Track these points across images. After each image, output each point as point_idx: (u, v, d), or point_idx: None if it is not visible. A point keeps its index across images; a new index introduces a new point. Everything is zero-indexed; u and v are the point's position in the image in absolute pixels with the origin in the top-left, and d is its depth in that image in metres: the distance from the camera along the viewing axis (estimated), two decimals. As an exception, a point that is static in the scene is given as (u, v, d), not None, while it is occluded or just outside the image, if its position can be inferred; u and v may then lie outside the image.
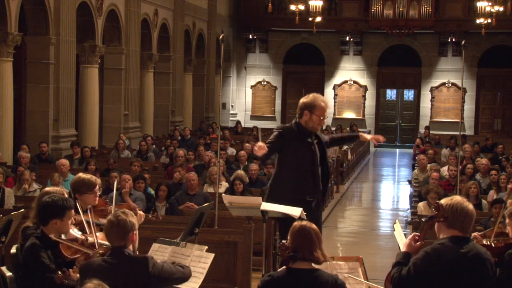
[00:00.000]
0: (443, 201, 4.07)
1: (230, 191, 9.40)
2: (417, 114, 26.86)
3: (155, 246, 5.17)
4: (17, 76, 13.72)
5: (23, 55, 13.76)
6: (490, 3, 22.59)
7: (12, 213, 6.27)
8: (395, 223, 4.98)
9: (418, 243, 4.11)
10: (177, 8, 20.09)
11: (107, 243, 4.53)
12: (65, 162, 10.63)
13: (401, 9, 24.44)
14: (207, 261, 5.00)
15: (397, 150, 26.45)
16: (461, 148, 11.74)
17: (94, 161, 11.51)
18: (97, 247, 4.61)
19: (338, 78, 26.90)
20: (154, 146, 15.42)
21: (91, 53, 15.27)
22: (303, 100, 6.35)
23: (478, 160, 12.62)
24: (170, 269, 4.33)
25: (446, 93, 26.24)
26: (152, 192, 9.72)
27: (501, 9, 22.97)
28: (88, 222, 4.88)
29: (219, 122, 10.87)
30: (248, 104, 27.75)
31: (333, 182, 14.63)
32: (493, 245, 4.65)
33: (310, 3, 22.66)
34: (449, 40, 25.49)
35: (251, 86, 27.64)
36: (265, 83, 27.57)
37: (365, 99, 26.81)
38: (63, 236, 4.65)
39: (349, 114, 26.78)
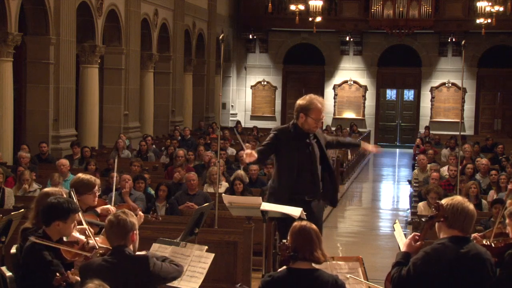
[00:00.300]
0: (443, 201, 4.07)
1: (230, 191, 9.41)
2: (417, 114, 26.86)
3: (155, 246, 5.18)
4: (17, 76, 13.72)
5: (23, 55, 13.76)
6: (490, 3, 22.59)
7: (12, 213, 6.27)
8: (395, 223, 4.98)
9: (418, 243, 4.11)
10: (177, 8, 20.09)
11: (106, 246, 4.53)
12: (65, 162, 10.63)
13: (401, 9, 24.44)
14: (207, 261, 5.00)
15: (397, 150, 26.44)
16: (461, 148, 11.74)
17: (94, 161, 11.51)
18: (97, 247, 4.60)
19: (338, 78, 26.90)
20: (154, 146, 15.42)
21: (91, 53, 15.27)
22: (299, 102, 6.30)
23: (478, 160, 12.63)
24: (168, 268, 4.33)
25: (446, 93, 26.24)
26: (152, 192, 9.72)
27: (501, 9, 22.97)
28: (87, 223, 4.88)
29: (219, 122, 10.87)
30: (248, 104, 27.75)
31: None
32: (493, 245, 4.65)
33: (310, 3, 22.66)
34: (449, 40, 25.49)
35: (251, 86, 27.64)
36: (265, 83, 27.57)
37: (365, 99, 26.80)
38: (64, 239, 4.64)
39: (349, 114, 26.77)
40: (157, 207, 8.93)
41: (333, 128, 22.59)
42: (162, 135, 18.82)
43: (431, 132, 21.80)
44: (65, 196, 5.01)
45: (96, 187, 5.32)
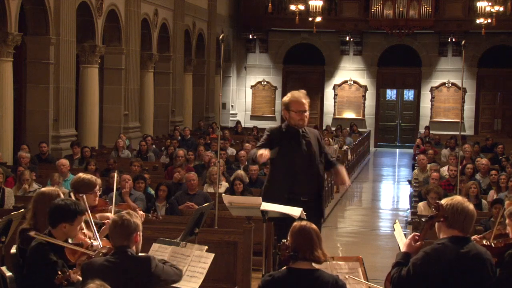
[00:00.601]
0: (443, 201, 4.07)
1: (230, 191, 9.40)
2: (417, 114, 26.86)
3: (155, 246, 5.17)
4: (17, 76, 13.72)
5: (23, 55, 13.76)
6: (490, 3, 22.58)
7: (12, 213, 6.27)
8: (395, 223, 4.98)
9: (418, 243, 4.11)
10: (177, 8, 20.09)
11: (109, 246, 4.53)
12: (65, 162, 10.63)
13: (401, 9, 24.44)
14: (207, 261, 5.00)
15: (397, 150, 26.44)
16: (461, 148, 11.74)
17: (94, 161, 11.50)
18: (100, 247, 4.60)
19: (338, 78, 26.90)
20: (154, 146, 15.42)
21: (91, 53, 15.27)
22: (282, 101, 6.37)
23: (478, 160, 12.63)
24: (169, 270, 4.33)
25: (446, 93, 26.24)
26: (152, 192, 9.72)
27: (501, 9, 22.96)
28: (89, 222, 4.88)
29: (219, 122, 10.87)
30: (248, 104, 27.75)
31: (333, 182, 14.61)
32: (493, 245, 4.65)
33: (310, 3, 22.65)
34: (449, 40, 25.49)
35: (251, 86, 27.64)
36: (265, 83, 27.57)
37: (365, 99, 26.80)
38: (69, 240, 4.65)
39: (349, 114, 26.77)
40: (157, 207, 8.93)
41: (333, 128, 22.58)
42: (162, 135, 18.82)
43: (431, 132, 21.80)
44: (62, 195, 5.02)
45: (97, 187, 5.32)
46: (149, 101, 18.75)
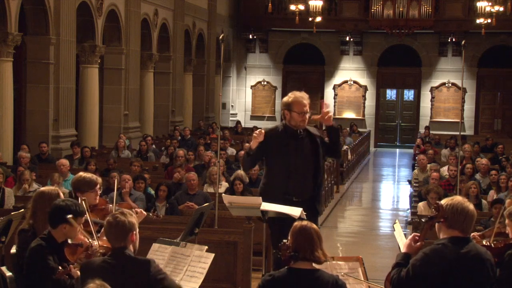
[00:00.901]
0: (443, 201, 4.06)
1: (230, 191, 9.40)
2: (417, 114, 26.86)
3: (155, 246, 5.17)
4: (17, 76, 13.72)
5: (23, 55, 13.76)
6: (490, 3, 22.58)
7: (12, 213, 6.27)
8: (395, 223, 4.98)
9: (418, 243, 4.11)
10: (177, 8, 20.09)
11: (107, 246, 4.53)
12: (65, 162, 10.63)
13: (401, 9, 24.44)
14: (207, 261, 5.00)
15: (397, 150, 26.45)
16: (461, 148, 11.74)
17: (94, 161, 11.50)
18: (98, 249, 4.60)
19: (338, 78, 26.90)
20: (154, 146, 15.42)
21: (91, 53, 15.27)
22: (282, 101, 6.30)
23: (478, 160, 12.63)
24: (172, 282, 4.29)
25: (446, 93, 26.24)
26: (152, 192, 9.72)
27: (501, 9, 22.96)
28: (89, 223, 4.88)
29: (219, 122, 10.87)
30: (248, 104, 27.75)
31: (332, 182, 14.63)
32: (492, 245, 4.65)
33: (310, 3, 22.65)
34: (449, 40, 25.49)
35: (251, 86, 27.64)
36: (265, 83, 27.57)
37: (365, 99, 26.80)
38: (69, 241, 4.65)
39: (349, 114, 26.77)
40: (157, 207, 8.93)
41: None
42: (162, 135, 18.82)
43: (431, 132, 21.80)
44: (62, 195, 5.02)
45: (98, 186, 5.33)
46: (149, 101, 18.75)
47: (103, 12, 15.66)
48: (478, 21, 22.98)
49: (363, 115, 26.81)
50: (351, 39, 26.22)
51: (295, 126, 6.15)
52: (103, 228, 4.92)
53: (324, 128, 6.39)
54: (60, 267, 4.34)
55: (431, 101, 26.33)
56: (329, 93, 26.85)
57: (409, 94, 27.74)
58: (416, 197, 10.69)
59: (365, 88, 26.74)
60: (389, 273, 4.09)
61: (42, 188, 5.29)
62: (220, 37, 8.49)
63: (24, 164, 10.88)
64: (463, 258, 3.90)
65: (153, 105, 19.00)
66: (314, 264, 4.00)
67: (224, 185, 10.22)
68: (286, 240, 4.03)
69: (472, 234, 4.70)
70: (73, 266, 4.38)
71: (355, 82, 26.76)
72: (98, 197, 5.36)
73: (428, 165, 12.55)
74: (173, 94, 20.28)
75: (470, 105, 26.04)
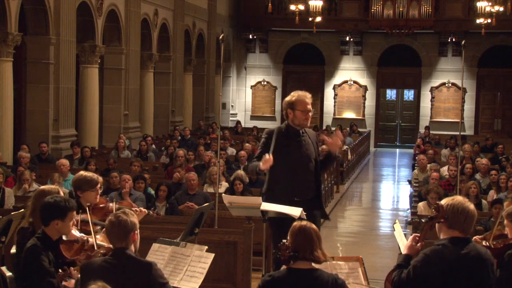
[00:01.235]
0: (443, 201, 4.06)
1: (230, 191, 9.40)
2: (417, 114, 26.86)
3: (155, 246, 5.17)
4: (17, 76, 13.72)
5: (23, 55, 13.76)
6: (490, 3, 22.58)
7: (12, 213, 6.27)
8: (395, 223, 4.98)
9: (418, 244, 4.10)
10: (177, 8, 20.09)
11: (106, 244, 4.53)
12: (65, 162, 10.63)
13: (401, 9, 24.44)
14: (207, 261, 5.00)
15: (397, 150, 26.45)
16: (461, 148, 11.74)
17: (94, 161, 11.50)
18: (95, 248, 4.60)
19: (338, 78, 26.90)
20: (154, 146, 15.42)
21: (91, 53, 15.27)
22: (285, 100, 6.32)
23: (478, 160, 12.62)
24: None
25: (446, 93, 26.24)
26: (152, 192, 9.72)
27: (501, 9, 22.96)
28: (87, 222, 4.88)
29: (219, 122, 10.88)
30: (248, 104, 27.75)
31: (332, 182, 14.63)
32: (492, 246, 4.65)
33: (310, 3, 22.65)
34: (449, 40, 25.49)
35: (251, 86, 27.64)
36: (265, 83, 27.57)
37: (365, 99, 26.80)
38: (64, 237, 4.65)
39: (349, 114, 26.77)
40: (157, 207, 8.93)
41: (333, 128, 22.57)
42: (162, 135, 18.82)
43: (431, 132, 21.80)
44: (62, 194, 5.02)
45: (99, 185, 5.33)
46: (149, 101, 18.75)
47: (103, 12, 15.66)
48: (478, 21, 22.98)
49: (363, 115, 26.81)
50: (351, 39, 26.22)
51: (298, 125, 6.17)
52: (104, 228, 4.93)
53: (325, 149, 6.46)
54: (60, 270, 4.34)
55: (431, 101, 26.33)
56: (329, 93, 26.85)
57: (409, 94, 27.74)
58: (416, 197, 10.69)
59: (365, 88, 26.74)
60: (389, 273, 4.09)
61: (43, 187, 5.29)
62: (220, 37, 8.49)
63: (24, 164, 10.88)
64: (464, 259, 3.90)
65: (153, 105, 19.00)
66: (313, 264, 4.00)
67: (224, 185, 10.21)
68: (285, 240, 4.03)
69: (473, 238, 4.69)
70: (73, 268, 4.38)
71: (355, 82, 26.76)
72: (98, 196, 5.37)
73: (428, 165, 12.55)
74: (173, 94, 20.29)
75: (470, 105, 26.04)
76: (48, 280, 4.43)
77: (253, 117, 27.33)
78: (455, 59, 25.78)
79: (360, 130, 24.41)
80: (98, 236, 4.72)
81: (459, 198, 4.05)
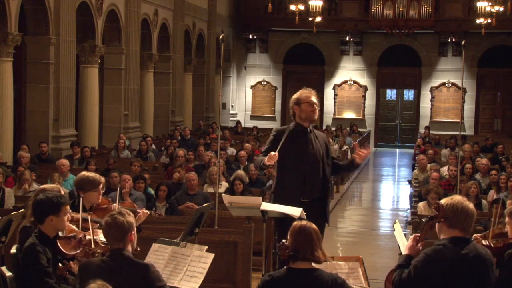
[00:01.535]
0: (443, 201, 4.06)
1: (230, 191, 9.40)
2: (417, 114, 26.86)
3: (155, 246, 5.17)
4: (17, 76, 13.72)
5: (23, 55, 13.76)
6: (490, 3, 22.58)
7: (12, 213, 6.27)
8: (395, 223, 4.98)
9: (419, 244, 4.10)
10: (177, 8, 20.09)
11: (104, 240, 4.53)
12: (65, 162, 10.63)
13: (401, 9, 24.44)
14: (207, 261, 5.00)
15: (397, 150, 26.45)
16: (461, 148, 11.74)
17: (94, 161, 11.50)
18: (93, 245, 4.60)
19: (338, 78, 26.90)
20: (154, 146, 15.42)
21: (91, 53, 15.27)
22: (291, 100, 6.38)
23: (478, 160, 12.62)
24: None
25: (446, 93, 26.24)
26: (152, 192, 9.72)
27: (501, 9, 22.96)
28: (87, 220, 4.88)
29: (219, 122, 10.88)
30: (248, 104, 27.75)
31: (332, 182, 14.62)
32: (492, 245, 4.65)
33: (310, 3, 22.65)
34: (449, 40, 25.49)
35: (251, 86, 27.64)
36: (265, 83, 27.57)
37: (365, 99, 26.80)
38: (60, 234, 4.65)
39: (349, 114, 26.77)
40: (157, 207, 8.93)
41: (333, 128, 22.58)
42: (162, 135, 18.82)
43: (431, 132, 21.80)
44: (63, 193, 5.03)
45: (101, 185, 5.33)
46: (149, 101, 18.75)
47: (103, 12, 15.66)
48: (478, 21, 22.97)
49: (363, 115, 26.81)
50: (351, 39, 26.22)
51: (305, 119, 6.18)
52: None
53: (350, 159, 6.46)
54: (60, 264, 4.34)
55: (431, 101, 26.33)
56: (329, 93, 26.85)
57: (409, 94, 27.74)
58: (416, 197, 10.69)
59: (365, 88, 26.74)
60: (389, 273, 4.10)
61: (43, 186, 5.30)
62: (220, 37, 8.49)
63: (24, 164, 10.88)
64: (464, 259, 3.90)
65: (153, 105, 19.00)
66: (313, 264, 3.99)
67: (224, 185, 10.22)
68: (285, 240, 4.03)
69: (473, 236, 4.70)
70: (72, 262, 4.39)
71: (355, 82, 26.76)
72: (101, 196, 5.37)
73: (428, 165, 12.55)
74: (173, 94, 20.29)
75: (470, 105, 26.04)
76: (46, 281, 4.43)
77: (253, 117, 27.32)
78: (455, 59, 25.79)
79: (360, 130, 24.42)
80: (98, 231, 4.71)
81: (458, 197, 4.06)
